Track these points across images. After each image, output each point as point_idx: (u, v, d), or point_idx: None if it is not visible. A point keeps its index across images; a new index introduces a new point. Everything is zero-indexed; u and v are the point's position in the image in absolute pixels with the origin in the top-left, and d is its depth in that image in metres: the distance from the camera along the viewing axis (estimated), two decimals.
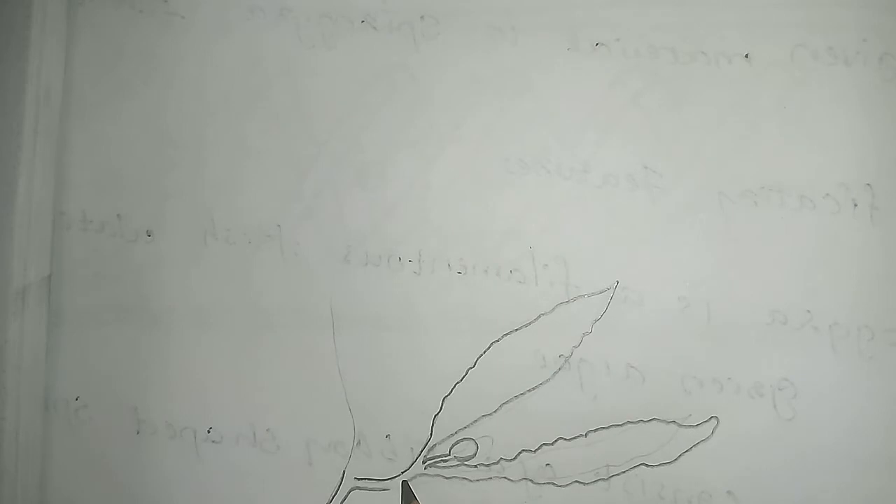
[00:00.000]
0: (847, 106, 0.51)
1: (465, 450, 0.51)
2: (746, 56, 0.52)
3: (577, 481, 0.50)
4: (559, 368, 0.51)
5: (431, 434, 0.51)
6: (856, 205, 0.51)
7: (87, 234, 0.54)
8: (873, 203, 0.50)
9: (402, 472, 0.51)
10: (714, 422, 0.50)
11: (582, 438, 0.50)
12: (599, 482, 0.50)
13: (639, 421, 0.50)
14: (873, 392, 0.49)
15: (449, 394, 0.51)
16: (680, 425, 0.50)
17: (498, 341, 0.51)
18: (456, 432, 0.51)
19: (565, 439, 0.50)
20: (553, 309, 0.51)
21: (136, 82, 0.55)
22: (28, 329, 0.51)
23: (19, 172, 0.50)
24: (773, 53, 0.52)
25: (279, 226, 0.53)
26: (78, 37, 0.55)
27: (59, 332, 0.53)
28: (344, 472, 0.51)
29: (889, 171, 0.51)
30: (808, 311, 0.50)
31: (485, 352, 0.51)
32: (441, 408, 0.51)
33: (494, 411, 0.51)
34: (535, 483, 0.50)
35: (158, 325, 0.53)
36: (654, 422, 0.50)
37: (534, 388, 0.51)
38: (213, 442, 0.52)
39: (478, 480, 0.50)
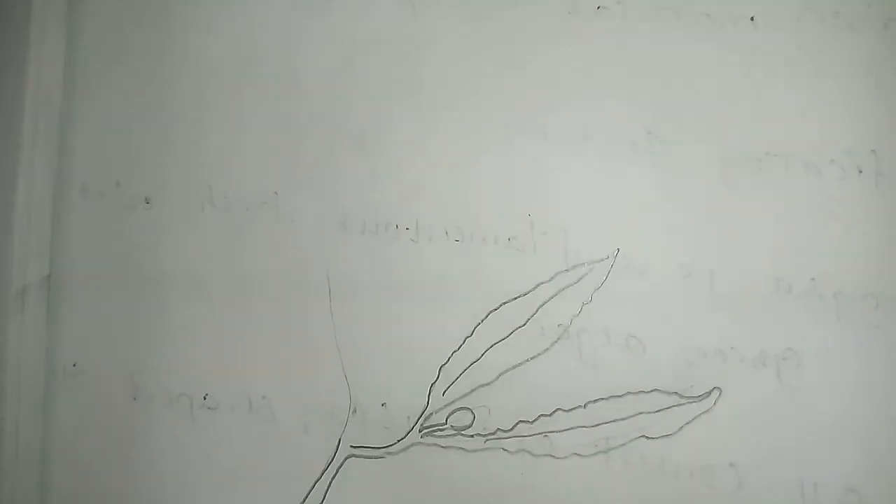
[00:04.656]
0: (853, 71, 0.50)
1: (461, 419, 0.50)
2: (752, 18, 0.51)
3: (575, 453, 0.49)
4: (558, 338, 0.50)
5: (428, 403, 0.50)
6: (861, 171, 0.49)
7: (86, 202, 0.54)
8: (878, 170, 0.49)
9: (399, 441, 0.50)
10: (717, 393, 0.49)
11: (581, 410, 0.49)
12: (599, 455, 0.49)
13: (639, 392, 0.49)
14: (878, 361, 0.48)
15: (446, 363, 0.51)
16: (682, 396, 0.49)
17: (496, 310, 0.51)
18: (453, 402, 0.50)
19: (564, 410, 0.50)
20: (552, 278, 0.51)
21: (134, 53, 0.55)
22: (28, 327, 0.51)
23: (19, 160, 0.51)
24: (779, 16, 0.51)
25: (276, 193, 0.53)
26: (78, 6, 0.55)
27: (58, 299, 0.53)
28: (340, 439, 0.51)
29: (894, 138, 0.49)
30: (813, 279, 0.49)
31: (482, 321, 0.51)
32: (438, 377, 0.51)
33: (492, 381, 0.50)
34: (532, 455, 0.49)
35: (156, 291, 0.53)
36: (655, 393, 0.49)
37: (532, 358, 0.50)
38: (208, 409, 0.52)
39: (475, 451, 0.50)
